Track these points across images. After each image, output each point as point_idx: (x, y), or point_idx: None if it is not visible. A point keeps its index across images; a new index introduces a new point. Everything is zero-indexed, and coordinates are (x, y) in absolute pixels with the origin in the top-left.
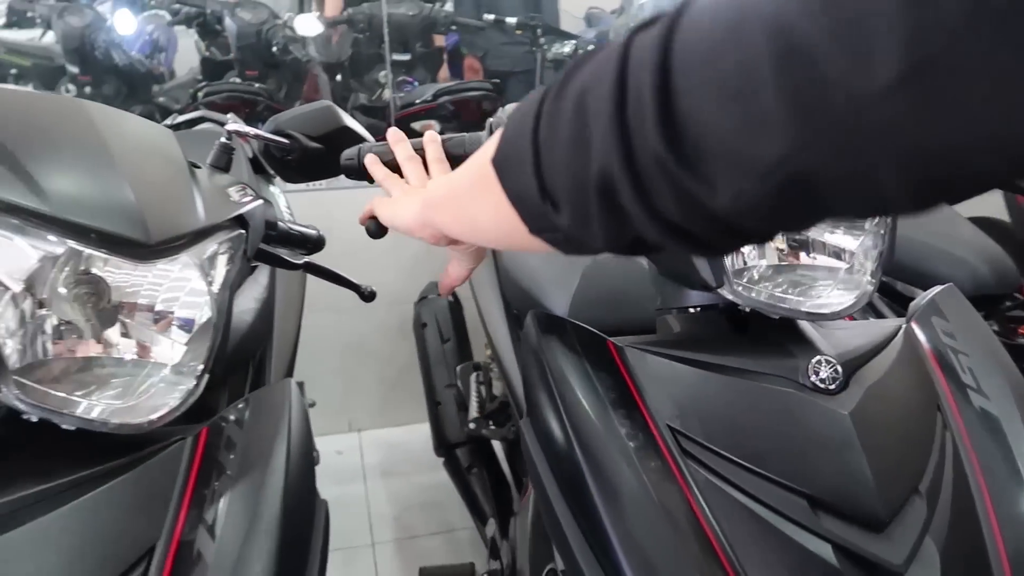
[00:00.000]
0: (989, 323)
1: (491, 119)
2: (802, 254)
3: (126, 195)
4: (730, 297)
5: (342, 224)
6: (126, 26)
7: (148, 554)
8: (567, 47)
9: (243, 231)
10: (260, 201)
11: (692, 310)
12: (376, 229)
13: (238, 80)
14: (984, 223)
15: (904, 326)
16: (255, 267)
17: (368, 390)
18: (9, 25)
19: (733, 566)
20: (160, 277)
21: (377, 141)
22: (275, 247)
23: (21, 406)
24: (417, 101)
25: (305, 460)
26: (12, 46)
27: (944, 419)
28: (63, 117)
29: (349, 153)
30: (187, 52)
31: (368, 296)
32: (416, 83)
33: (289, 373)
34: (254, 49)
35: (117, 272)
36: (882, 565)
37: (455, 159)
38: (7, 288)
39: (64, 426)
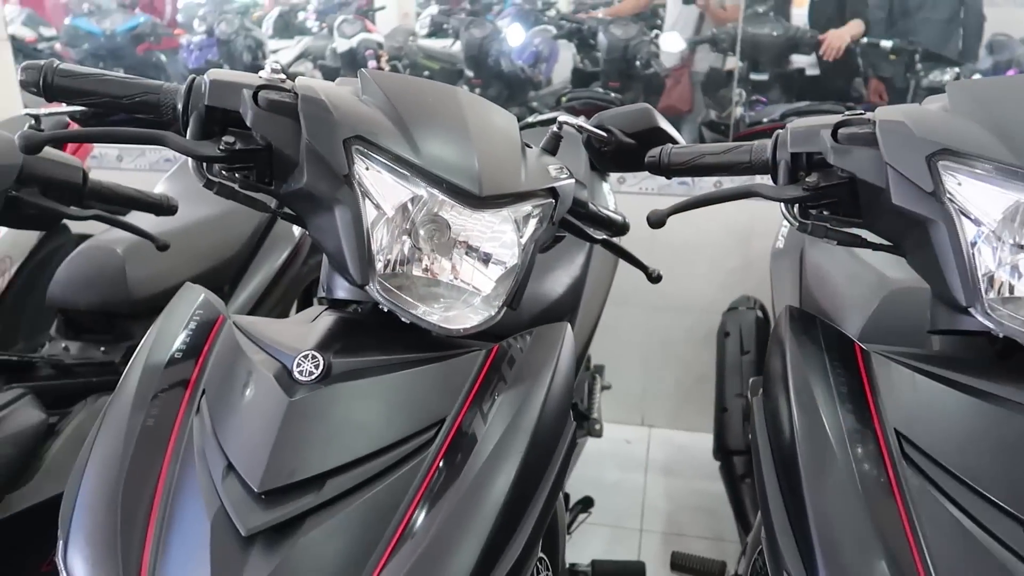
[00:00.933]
0: None
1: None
2: None
3: (471, 160)
4: (980, 319)
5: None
6: (515, 38)
7: (440, 422)
8: (947, 75)
9: (553, 200)
10: (572, 181)
11: (960, 335)
12: (656, 220)
13: (600, 90)
14: None
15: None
16: (563, 236)
17: (666, 390)
18: (429, 35)
19: (927, 569)
20: (486, 226)
21: None
22: (585, 224)
23: (380, 299)
24: (764, 120)
25: (565, 387)
26: (428, 52)
27: None
28: (441, 100)
29: (653, 152)
30: (566, 63)
31: (655, 278)
32: (767, 102)
33: (586, 347)
34: (619, 62)
35: (457, 217)
36: None
37: None
38: (385, 213)
39: (403, 319)
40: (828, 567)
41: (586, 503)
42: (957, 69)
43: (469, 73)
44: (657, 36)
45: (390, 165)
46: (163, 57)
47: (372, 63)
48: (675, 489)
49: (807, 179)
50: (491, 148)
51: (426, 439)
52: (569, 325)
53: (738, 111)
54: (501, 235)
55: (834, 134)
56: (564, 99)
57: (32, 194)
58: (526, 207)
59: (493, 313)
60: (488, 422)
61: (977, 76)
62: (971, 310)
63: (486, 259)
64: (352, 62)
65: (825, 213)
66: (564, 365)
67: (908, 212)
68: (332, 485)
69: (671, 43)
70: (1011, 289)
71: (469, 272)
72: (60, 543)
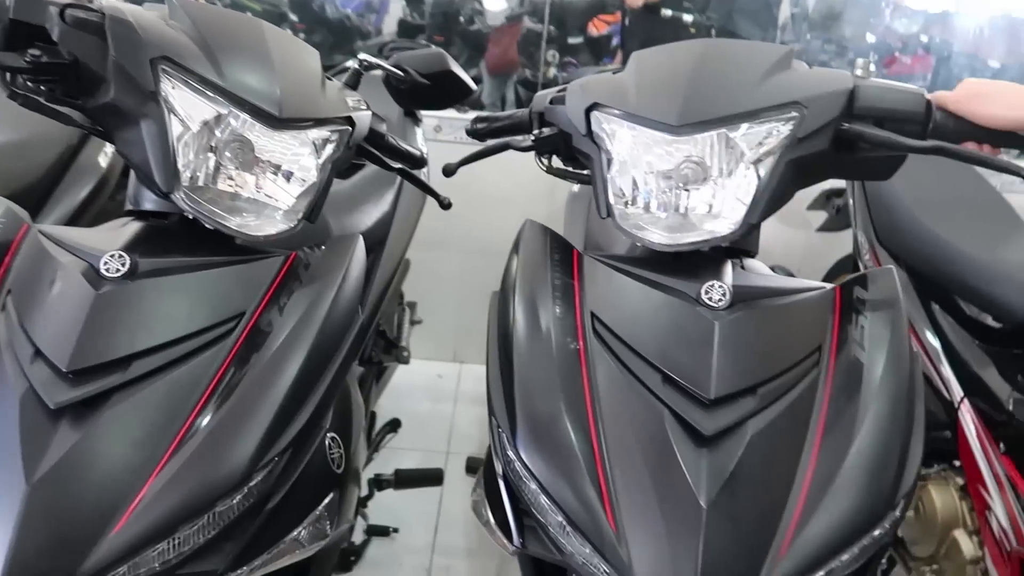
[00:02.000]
0: None
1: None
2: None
3: (273, 85)
4: None
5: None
6: None
7: (239, 316)
8: None
9: (349, 128)
10: (368, 113)
11: None
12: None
13: (424, 42)
14: None
15: (830, 288)
16: (362, 164)
17: (478, 328)
18: None
19: (595, 412)
20: (286, 146)
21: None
22: (384, 154)
23: (185, 207)
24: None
25: (354, 288)
26: None
27: (821, 357)
28: (246, 29)
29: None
30: (397, 15)
31: (445, 205)
32: (578, 65)
33: (394, 277)
34: (444, 17)
35: (260, 137)
36: (698, 430)
37: None
38: (189, 128)
39: (208, 226)
40: (523, 414)
41: (394, 424)
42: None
43: (293, 17)
44: None
45: (195, 85)
46: None
47: None
48: (483, 417)
49: (541, 131)
50: (292, 76)
51: (226, 329)
52: (361, 237)
53: (552, 72)
54: (300, 156)
55: (552, 99)
56: (386, 49)
57: None
58: (324, 132)
59: (293, 224)
60: (283, 315)
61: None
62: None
63: (287, 176)
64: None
65: (556, 158)
66: (354, 269)
67: None
68: (137, 366)
69: (493, 2)
70: None
71: (272, 188)
72: None
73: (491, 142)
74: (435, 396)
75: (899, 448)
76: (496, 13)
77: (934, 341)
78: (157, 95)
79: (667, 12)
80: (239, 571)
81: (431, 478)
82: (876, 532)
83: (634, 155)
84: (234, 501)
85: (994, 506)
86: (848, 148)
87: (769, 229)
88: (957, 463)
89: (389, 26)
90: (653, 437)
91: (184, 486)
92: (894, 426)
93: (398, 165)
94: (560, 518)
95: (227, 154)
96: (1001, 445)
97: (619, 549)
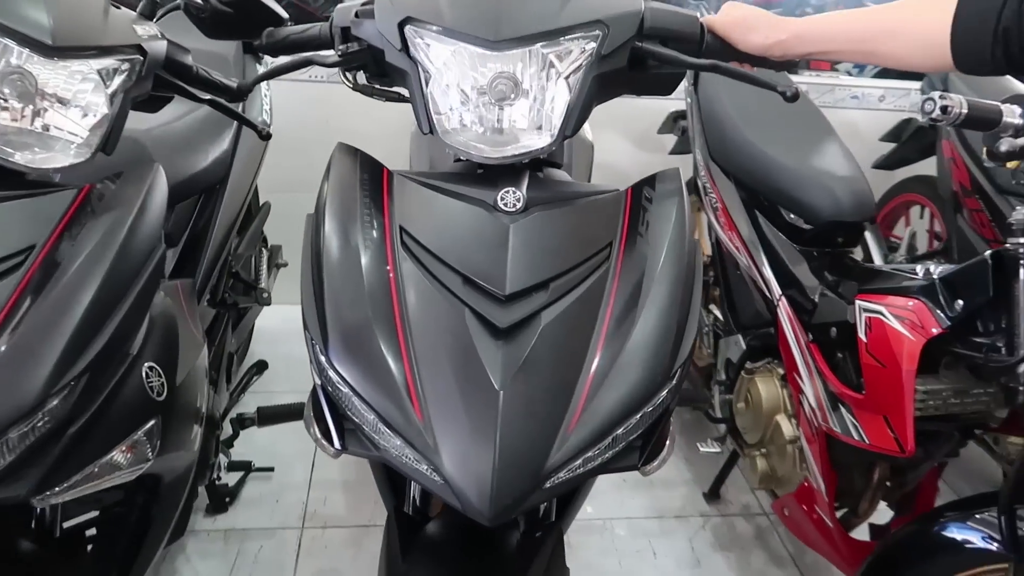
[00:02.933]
0: None
1: None
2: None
3: (42, 14)
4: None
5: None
6: None
7: (31, 248)
8: None
9: (140, 57)
10: (163, 42)
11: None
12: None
13: None
14: (915, 180)
15: (623, 190)
16: (170, 97)
17: None
18: None
19: (402, 317)
20: (71, 76)
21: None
22: (196, 87)
23: None
24: None
25: (155, 216)
26: None
27: (611, 252)
28: None
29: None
30: None
31: (264, 136)
32: None
33: (239, 217)
34: None
35: (41, 69)
36: (495, 324)
37: None
38: None
39: None
40: (333, 325)
41: (260, 366)
42: None
43: None
44: None
45: None
46: None
47: None
48: None
49: (345, 46)
50: (68, 3)
51: (15, 263)
52: (159, 166)
53: None
54: (82, 85)
55: (356, 13)
56: None
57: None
58: (109, 60)
59: (88, 156)
60: (75, 247)
61: None
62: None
63: (76, 107)
64: None
65: (369, 76)
66: (155, 197)
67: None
68: None
69: None
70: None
71: (60, 120)
72: None
73: (293, 57)
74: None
75: (675, 327)
76: None
77: (758, 247)
78: None
79: None
80: (46, 493)
81: (294, 413)
82: (656, 400)
83: (451, 71)
84: (30, 426)
85: (805, 390)
86: (639, 66)
87: (627, 154)
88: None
89: None
90: (455, 334)
91: (16, 409)
92: (671, 308)
93: (208, 97)
94: (372, 416)
95: (5, 87)
96: (809, 335)
97: (426, 436)
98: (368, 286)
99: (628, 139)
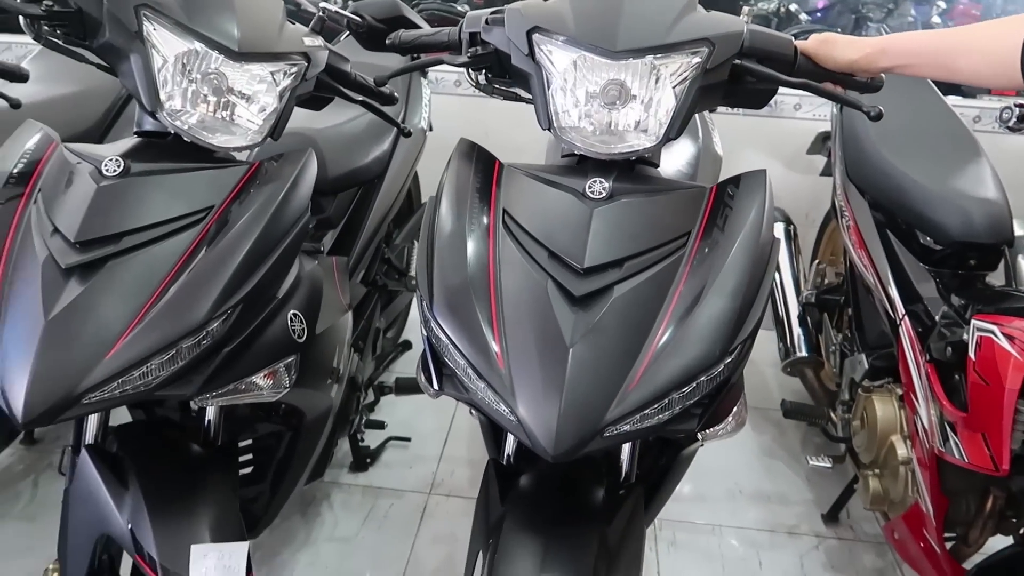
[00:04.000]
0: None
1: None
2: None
3: (232, 25)
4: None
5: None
6: None
7: (209, 208)
8: (771, 3)
9: (305, 63)
10: (325, 51)
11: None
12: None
13: (455, 5)
14: None
15: (708, 188)
16: (331, 97)
17: None
18: None
19: (496, 283)
20: (252, 77)
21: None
22: (352, 90)
23: (168, 124)
24: None
25: (305, 189)
26: None
27: (688, 241)
28: None
29: (391, 36)
30: None
31: (406, 134)
32: None
33: (391, 211)
34: None
35: (230, 70)
36: (571, 292)
37: None
38: (167, 61)
39: (186, 139)
40: (439, 287)
41: (405, 345)
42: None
43: None
44: None
45: (167, 27)
46: None
47: None
48: None
49: (473, 49)
50: (252, 19)
51: (198, 218)
52: (313, 151)
53: None
54: (262, 86)
55: (487, 20)
56: (415, 9)
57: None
58: (280, 65)
59: (260, 140)
60: (241, 209)
61: (794, 6)
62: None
63: (253, 102)
64: None
65: (492, 77)
66: (305, 175)
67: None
68: (126, 240)
69: None
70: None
71: (241, 111)
72: None
73: (424, 57)
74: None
75: (739, 309)
76: None
77: (886, 266)
78: (141, 34)
79: None
80: (204, 396)
81: None
82: (714, 371)
83: (571, 75)
84: (196, 340)
85: (920, 411)
86: (737, 80)
87: (776, 174)
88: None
89: None
90: (537, 299)
91: (159, 326)
92: (737, 292)
93: (360, 98)
94: (464, 363)
95: (203, 84)
96: (928, 355)
97: (505, 382)
98: (470, 256)
99: (777, 158)
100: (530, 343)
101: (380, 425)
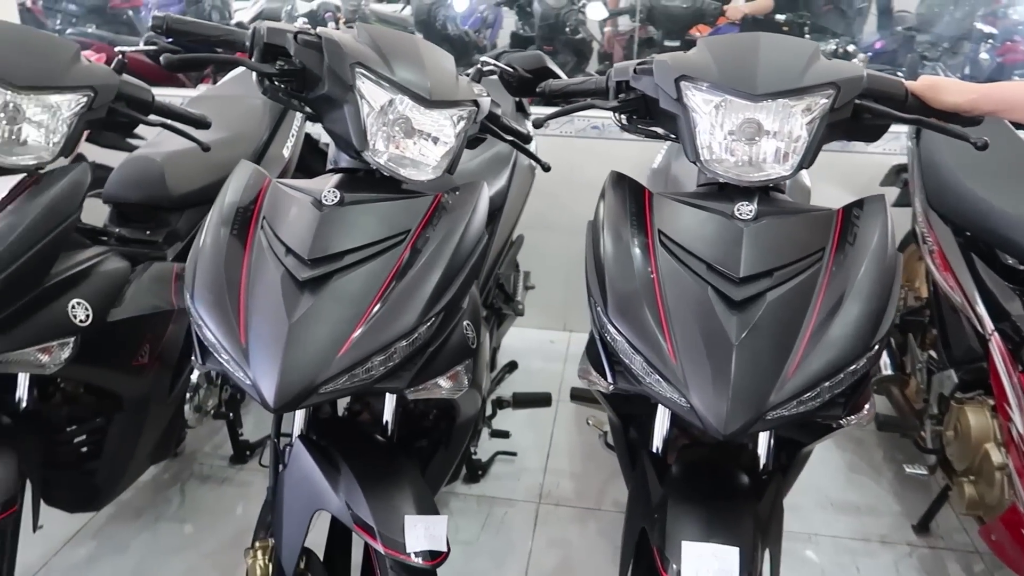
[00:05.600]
0: None
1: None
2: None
3: (425, 79)
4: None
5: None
6: (461, 5)
7: (407, 232)
8: (831, 45)
9: (476, 108)
10: (488, 99)
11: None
12: (537, 123)
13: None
14: None
15: (836, 210)
16: (484, 137)
17: (584, 301)
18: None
19: (661, 291)
20: (434, 121)
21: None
22: (500, 130)
23: (372, 162)
24: None
25: (480, 218)
26: (380, 15)
27: (824, 255)
28: (406, 42)
29: (541, 85)
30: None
31: (546, 168)
32: None
33: (508, 241)
34: (552, 28)
35: (417, 115)
36: (731, 298)
37: None
38: (373, 108)
39: (385, 174)
40: (611, 295)
41: (512, 365)
42: (836, 41)
43: (419, 35)
44: (584, 6)
45: (376, 80)
46: (131, 13)
47: (331, 24)
48: None
49: (620, 95)
50: (437, 72)
51: (399, 239)
52: (485, 184)
53: None
54: (443, 126)
55: (635, 70)
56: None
57: (121, 107)
58: (459, 110)
59: (440, 174)
60: (434, 233)
61: (852, 47)
62: (697, 163)
63: (435, 141)
64: (312, 23)
65: (635, 118)
66: (481, 205)
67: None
68: (347, 258)
69: (595, 12)
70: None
71: (425, 150)
72: (187, 295)
73: (576, 103)
74: (547, 357)
75: (875, 311)
76: (597, 22)
77: (972, 286)
78: (354, 87)
79: (780, 16)
80: (412, 390)
81: (542, 400)
82: (858, 364)
83: (715, 116)
84: (408, 342)
85: (1015, 418)
86: (855, 117)
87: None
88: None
89: (502, 39)
90: (700, 304)
91: (380, 329)
92: (872, 297)
93: (510, 138)
94: (639, 359)
95: (396, 127)
96: (1020, 367)
97: (678, 375)
98: (636, 269)
99: (850, 190)
100: (698, 341)
101: (505, 434)
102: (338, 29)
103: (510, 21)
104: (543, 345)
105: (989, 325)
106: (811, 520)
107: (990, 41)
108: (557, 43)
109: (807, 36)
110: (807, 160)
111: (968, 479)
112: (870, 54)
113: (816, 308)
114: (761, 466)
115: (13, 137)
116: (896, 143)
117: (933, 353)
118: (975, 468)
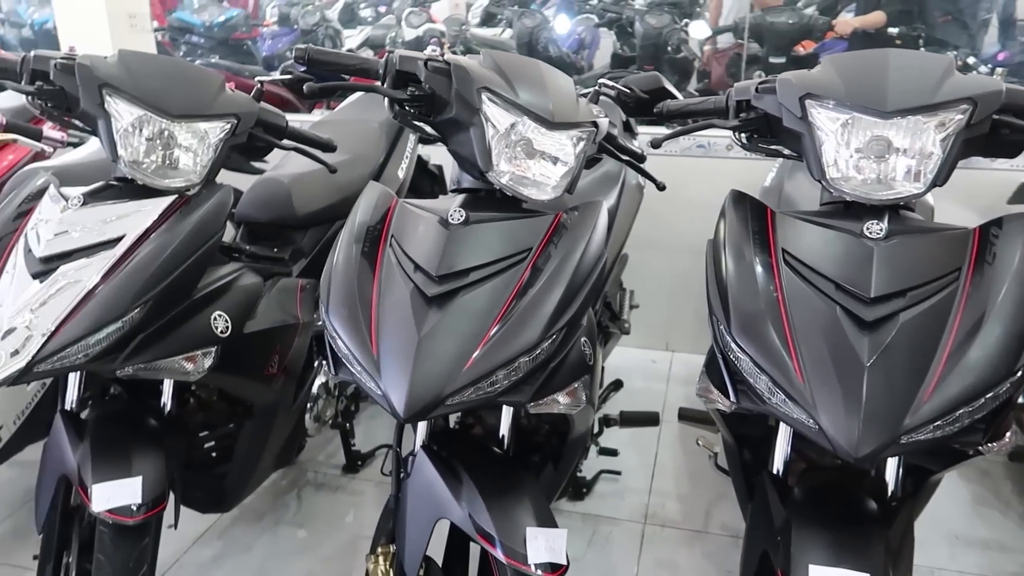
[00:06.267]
0: None
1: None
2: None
3: (547, 102)
4: (831, 190)
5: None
6: (562, 27)
7: (529, 249)
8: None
9: (595, 129)
10: (606, 120)
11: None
12: (655, 143)
13: (635, 70)
14: None
15: (972, 229)
16: (601, 157)
17: (687, 320)
18: (481, 24)
19: (786, 310)
20: (555, 141)
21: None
22: (615, 149)
23: (496, 182)
24: None
25: (600, 236)
26: (481, 40)
27: (960, 275)
28: (528, 66)
29: (658, 106)
30: (607, 49)
31: (660, 187)
32: None
33: (615, 261)
34: (653, 47)
35: (539, 136)
36: (861, 318)
37: None
38: (498, 130)
39: (508, 194)
40: (735, 313)
41: (617, 384)
42: (954, 53)
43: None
44: (687, 24)
45: (501, 103)
46: (249, 44)
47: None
48: (690, 393)
49: (741, 114)
50: (558, 95)
51: (522, 257)
52: (604, 204)
53: None
54: (564, 147)
55: (757, 89)
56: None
57: (259, 132)
58: (579, 132)
59: (560, 194)
60: (556, 251)
61: (972, 59)
62: (822, 182)
63: (555, 161)
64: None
65: (755, 136)
66: (600, 224)
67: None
68: (473, 274)
69: (698, 30)
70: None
71: (546, 170)
72: (323, 308)
73: (696, 123)
74: (649, 377)
75: (1019, 332)
76: (703, 40)
77: None
78: (480, 110)
79: (893, 30)
80: (535, 403)
81: (649, 419)
82: (1000, 389)
83: (841, 134)
84: (530, 357)
85: None
86: (993, 132)
87: (975, 223)
88: None
89: (600, 59)
90: (829, 325)
91: (504, 344)
92: (1014, 317)
93: (625, 158)
94: (764, 378)
95: (519, 148)
96: None
97: (806, 395)
98: (759, 287)
99: (974, 209)
100: (826, 361)
101: (614, 452)
102: (443, 54)
103: (607, 42)
104: (645, 364)
105: None
106: (935, 554)
107: None
108: (659, 62)
109: (921, 49)
110: (941, 178)
111: None
112: (991, 66)
113: (954, 330)
114: (889, 492)
115: (167, 163)
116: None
117: None
118: None
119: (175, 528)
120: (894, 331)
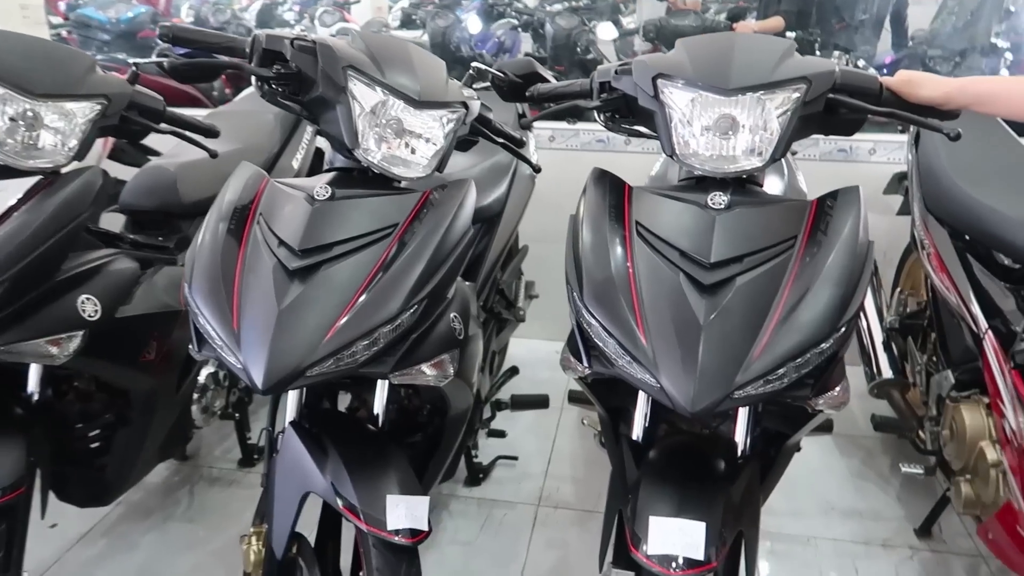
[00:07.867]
0: None
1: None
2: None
3: (415, 81)
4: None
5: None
6: (474, 27)
7: (395, 225)
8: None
9: (464, 110)
10: (478, 102)
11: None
12: (526, 124)
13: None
14: None
15: (810, 201)
16: (476, 140)
17: None
18: (401, 26)
19: (635, 277)
20: (424, 122)
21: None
22: (492, 133)
23: (363, 159)
24: None
25: (466, 214)
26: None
27: (796, 243)
28: (398, 47)
29: (530, 89)
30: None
31: (536, 169)
32: None
33: (506, 247)
34: (564, 48)
35: (408, 116)
36: (701, 282)
37: None
38: (364, 109)
39: (376, 171)
40: (587, 283)
41: (513, 370)
42: (847, 56)
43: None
44: (595, 26)
45: (367, 82)
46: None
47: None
48: None
49: (603, 95)
50: (427, 75)
51: (387, 232)
52: (473, 182)
53: None
54: (433, 128)
55: (616, 71)
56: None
57: (134, 115)
58: (447, 111)
59: (429, 173)
60: (420, 227)
61: (861, 62)
62: (673, 157)
63: (426, 141)
64: None
65: (617, 116)
66: (467, 201)
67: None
68: (336, 249)
69: (605, 32)
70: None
71: (418, 148)
72: (185, 286)
73: (562, 104)
74: (553, 367)
75: (842, 295)
76: (608, 42)
77: (967, 285)
78: (346, 89)
79: (790, 35)
80: (395, 374)
81: (539, 402)
82: (824, 345)
83: (689, 111)
84: (391, 327)
85: (1007, 414)
86: (829, 111)
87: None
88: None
89: None
90: (672, 289)
91: (364, 316)
92: (840, 282)
93: (501, 141)
94: (612, 342)
95: (388, 128)
96: (1012, 362)
97: (649, 356)
98: (611, 258)
99: None
100: (668, 324)
101: (501, 434)
102: None
103: (527, 46)
104: (549, 356)
105: (983, 324)
106: (811, 523)
107: (1007, 55)
108: (568, 63)
109: (817, 53)
110: (779, 152)
111: (964, 478)
112: (884, 71)
113: (785, 293)
114: (740, 453)
115: (31, 142)
116: (900, 152)
117: (931, 355)
118: (971, 467)
119: (52, 528)
120: (730, 294)
